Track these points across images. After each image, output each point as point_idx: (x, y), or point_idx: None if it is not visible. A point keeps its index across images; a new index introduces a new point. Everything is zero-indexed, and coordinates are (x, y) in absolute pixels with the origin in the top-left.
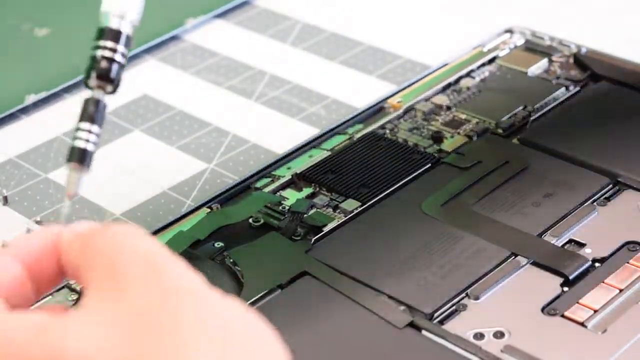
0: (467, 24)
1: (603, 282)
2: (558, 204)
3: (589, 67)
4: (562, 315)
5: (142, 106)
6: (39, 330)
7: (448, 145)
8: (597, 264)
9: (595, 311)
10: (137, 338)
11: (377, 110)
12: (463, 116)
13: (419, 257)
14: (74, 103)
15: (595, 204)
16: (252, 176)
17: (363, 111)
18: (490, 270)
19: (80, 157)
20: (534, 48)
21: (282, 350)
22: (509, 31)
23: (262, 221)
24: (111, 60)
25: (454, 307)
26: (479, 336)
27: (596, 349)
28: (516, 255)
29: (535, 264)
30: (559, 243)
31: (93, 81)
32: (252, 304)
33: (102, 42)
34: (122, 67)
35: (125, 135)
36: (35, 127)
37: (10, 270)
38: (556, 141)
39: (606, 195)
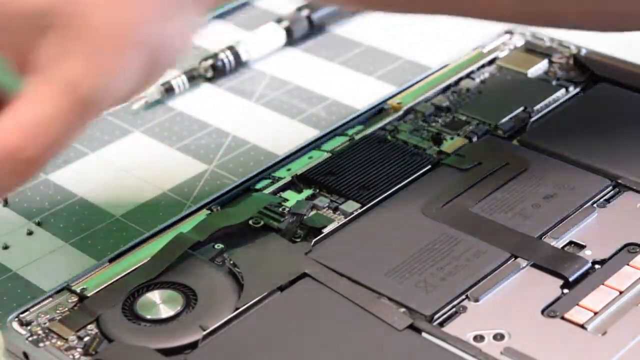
0: (467, 25)
1: (603, 284)
2: (558, 206)
3: (588, 68)
4: (562, 317)
5: (142, 107)
6: None
7: (448, 146)
8: (597, 266)
9: (595, 313)
10: None
11: (377, 111)
12: (463, 117)
13: (419, 258)
14: None
15: (595, 205)
16: (252, 177)
17: (363, 112)
18: (490, 272)
19: None
20: (533, 49)
21: None
22: (509, 32)
23: (262, 223)
24: None
25: (454, 309)
26: (479, 338)
27: (596, 351)
28: (516, 257)
29: (535, 265)
30: (559, 245)
31: None
32: (252, 305)
33: None
34: None
35: (126, 136)
36: None
37: None
38: (556, 143)
39: (606, 196)
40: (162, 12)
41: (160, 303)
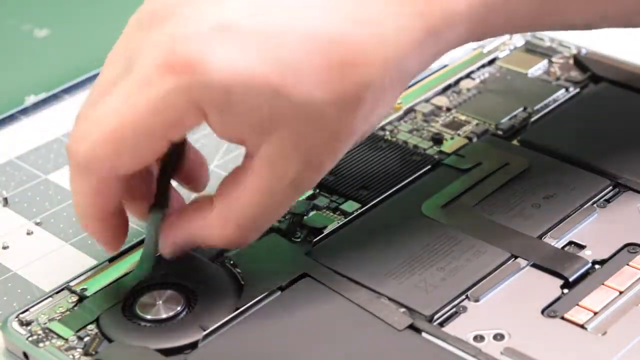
0: None
1: (603, 284)
2: (558, 206)
3: (589, 69)
4: (562, 317)
5: None
6: None
7: (448, 146)
8: (597, 266)
9: (595, 313)
10: None
11: None
12: (463, 117)
13: (419, 259)
14: (73, 104)
15: (595, 205)
16: None
17: None
18: (490, 272)
19: None
20: (534, 49)
21: None
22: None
23: None
24: None
25: (454, 309)
26: (479, 338)
27: (596, 351)
28: (516, 257)
29: (535, 265)
30: (559, 245)
31: None
32: (252, 305)
33: None
34: None
35: None
36: (35, 129)
37: None
38: (556, 143)
39: (606, 197)
40: (388, 100)
41: (160, 303)
